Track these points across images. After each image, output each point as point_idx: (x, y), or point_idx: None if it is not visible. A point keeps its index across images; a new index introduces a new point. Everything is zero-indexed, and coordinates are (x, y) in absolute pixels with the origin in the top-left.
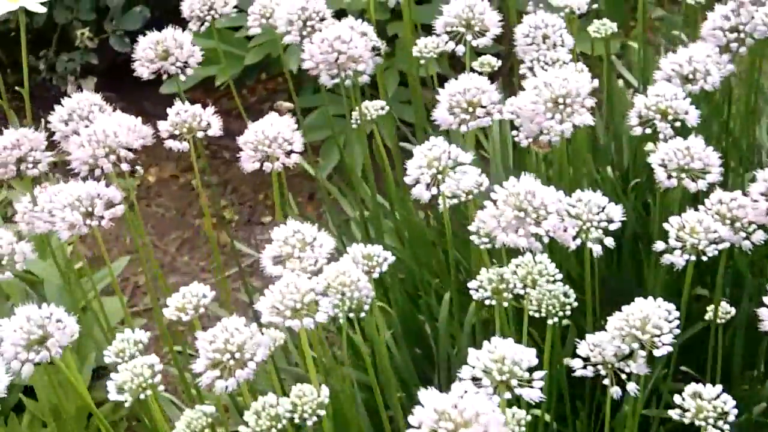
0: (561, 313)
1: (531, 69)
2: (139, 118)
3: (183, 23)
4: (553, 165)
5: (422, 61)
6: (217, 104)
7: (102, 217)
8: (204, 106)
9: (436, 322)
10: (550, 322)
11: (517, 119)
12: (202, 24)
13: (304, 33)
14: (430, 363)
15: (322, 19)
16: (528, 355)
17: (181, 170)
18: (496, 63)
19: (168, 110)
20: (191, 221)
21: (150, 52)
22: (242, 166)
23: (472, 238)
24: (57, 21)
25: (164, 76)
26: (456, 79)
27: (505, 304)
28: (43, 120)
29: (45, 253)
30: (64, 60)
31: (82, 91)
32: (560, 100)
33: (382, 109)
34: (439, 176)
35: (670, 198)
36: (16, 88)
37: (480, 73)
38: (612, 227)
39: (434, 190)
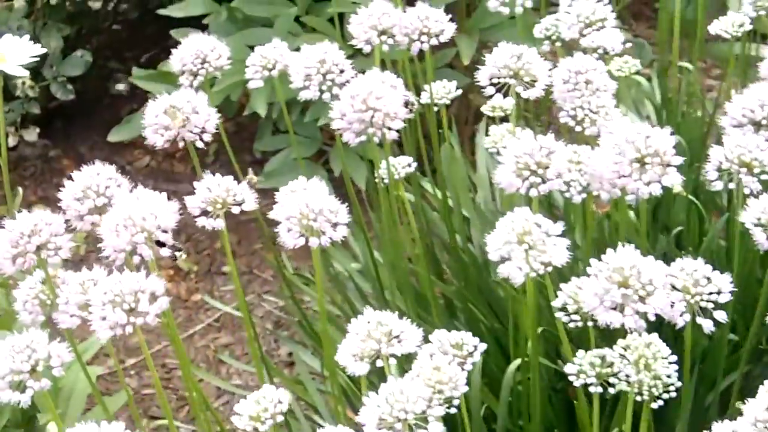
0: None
1: (574, 117)
2: (164, 194)
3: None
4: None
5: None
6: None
7: (147, 314)
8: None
9: None
10: (654, 405)
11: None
12: (195, 78)
13: (324, 88)
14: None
15: (342, 71)
16: None
17: None
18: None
19: (91, 159)
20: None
21: (164, 118)
22: (283, 242)
23: (559, 315)
24: None
25: (179, 142)
26: None
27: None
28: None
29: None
30: (4, 111)
31: (25, 142)
32: (647, 160)
33: (409, 165)
34: (530, 252)
35: None
36: None
37: (492, 118)
38: (722, 299)
39: (525, 267)
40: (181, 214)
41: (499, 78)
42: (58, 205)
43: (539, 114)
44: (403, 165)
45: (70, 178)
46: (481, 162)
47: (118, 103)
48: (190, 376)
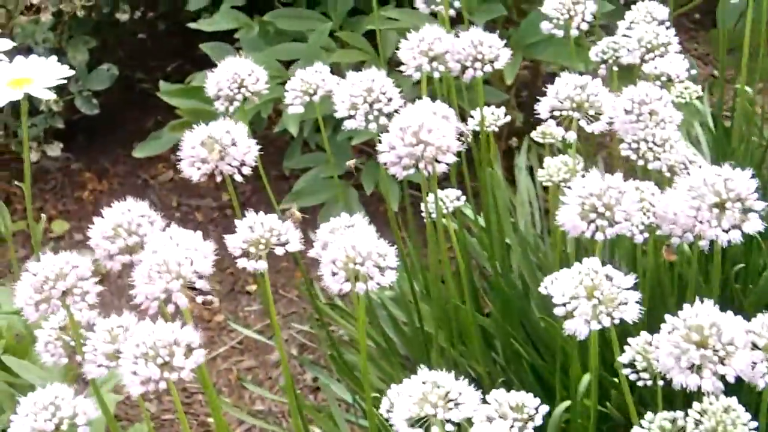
0: None
1: (636, 150)
2: (199, 233)
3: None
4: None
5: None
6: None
7: (182, 368)
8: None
9: None
10: None
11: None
12: (231, 103)
13: (370, 117)
14: None
15: (390, 100)
16: None
17: None
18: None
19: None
20: None
21: (202, 150)
22: (327, 286)
23: (625, 371)
24: None
25: (217, 175)
26: None
27: None
28: None
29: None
30: (27, 126)
31: (46, 155)
32: (728, 205)
33: (458, 199)
34: (601, 308)
35: None
36: (15, 182)
37: (541, 145)
38: None
39: (594, 324)
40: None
41: (561, 110)
42: (78, 218)
43: (591, 146)
44: (451, 198)
45: (91, 193)
46: (522, 183)
47: (142, 115)
48: (217, 404)
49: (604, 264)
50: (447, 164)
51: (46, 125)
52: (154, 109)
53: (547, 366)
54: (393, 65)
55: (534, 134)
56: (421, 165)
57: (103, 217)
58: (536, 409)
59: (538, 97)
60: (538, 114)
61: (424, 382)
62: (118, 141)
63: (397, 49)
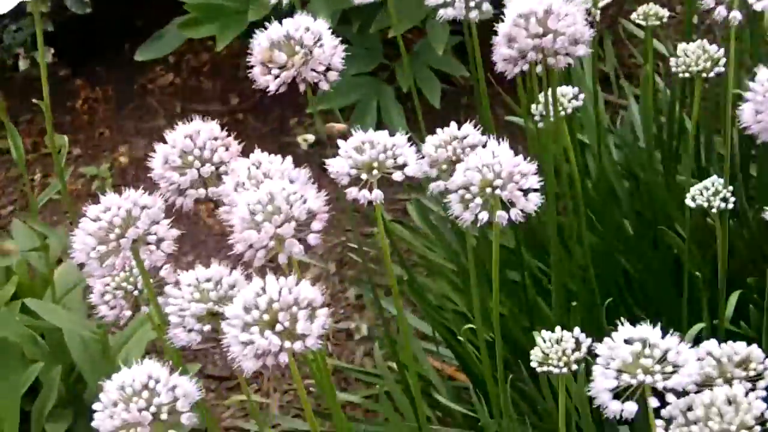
0: None
1: None
2: (289, 158)
3: None
4: None
5: None
6: (196, 60)
7: (307, 336)
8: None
9: None
10: None
11: None
12: None
13: (471, 4)
14: None
15: None
16: None
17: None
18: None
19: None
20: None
21: (279, 54)
22: (459, 218)
23: None
24: None
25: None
26: None
27: None
28: None
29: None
30: (12, 30)
31: (35, 63)
32: None
33: (576, 98)
34: None
35: None
36: (34, 100)
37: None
38: None
39: None
40: None
41: None
42: (74, 130)
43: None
44: (569, 98)
45: (85, 102)
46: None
47: (132, 13)
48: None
49: None
50: (573, 58)
51: (33, 29)
52: (145, 5)
53: (659, 283)
54: None
55: (634, 16)
56: (553, 61)
57: (164, 141)
58: (763, 365)
59: None
60: None
61: (628, 341)
62: (109, 43)
63: None
